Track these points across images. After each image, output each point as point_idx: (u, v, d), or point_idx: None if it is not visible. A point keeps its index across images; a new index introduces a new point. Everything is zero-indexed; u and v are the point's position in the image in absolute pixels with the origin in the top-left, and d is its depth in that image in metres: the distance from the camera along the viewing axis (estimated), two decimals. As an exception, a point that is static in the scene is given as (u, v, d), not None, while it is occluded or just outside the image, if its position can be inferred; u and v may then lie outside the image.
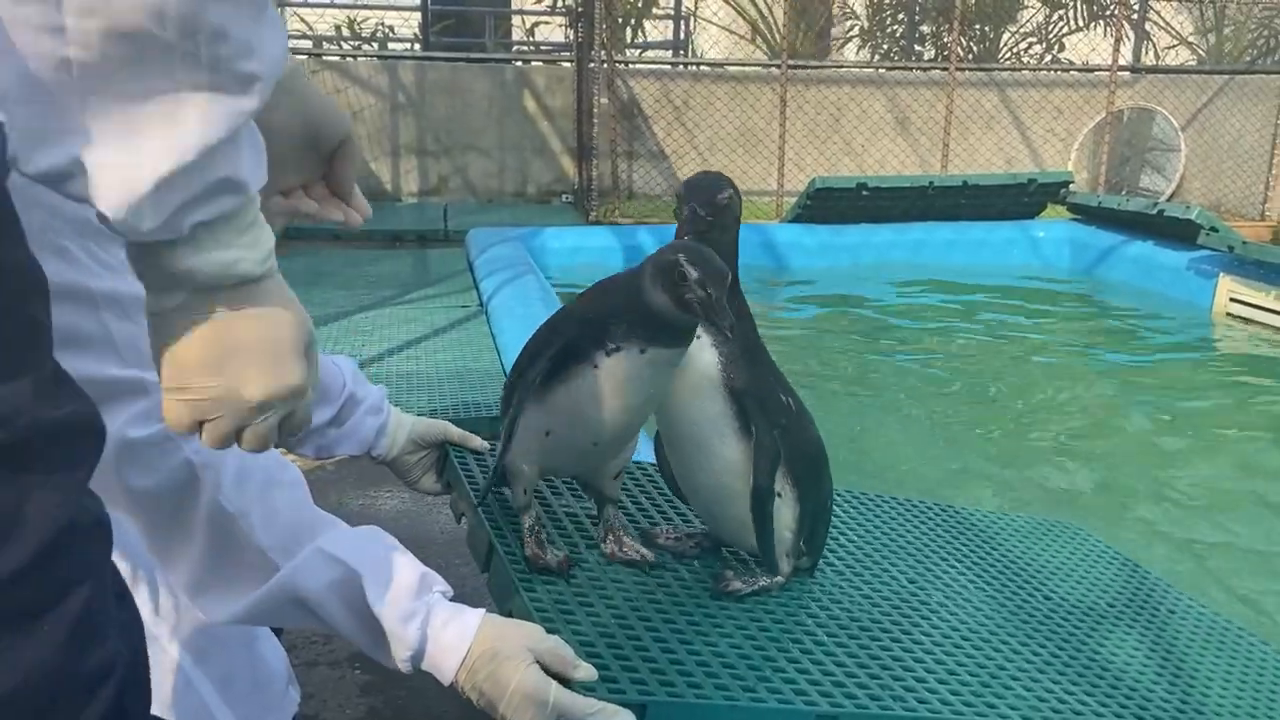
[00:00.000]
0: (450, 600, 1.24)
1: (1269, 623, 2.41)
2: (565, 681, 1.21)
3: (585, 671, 1.23)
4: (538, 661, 1.21)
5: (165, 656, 1.32)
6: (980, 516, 2.20)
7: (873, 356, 4.79)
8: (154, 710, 1.29)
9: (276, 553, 1.19)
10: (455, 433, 1.79)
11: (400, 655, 1.21)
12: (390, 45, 10.91)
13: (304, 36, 10.33)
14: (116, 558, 1.27)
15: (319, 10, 10.20)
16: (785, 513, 1.62)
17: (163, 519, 1.16)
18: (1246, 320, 5.35)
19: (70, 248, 1.09)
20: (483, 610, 1.24)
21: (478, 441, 1.80)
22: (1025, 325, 5.53)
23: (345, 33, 11.13)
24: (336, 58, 8.78)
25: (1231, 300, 5.47)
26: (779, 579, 1.65)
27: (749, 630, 1.50)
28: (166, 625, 1.33)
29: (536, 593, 1.42)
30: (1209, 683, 1.81)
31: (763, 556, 1.64)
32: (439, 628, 1.22)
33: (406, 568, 1.24)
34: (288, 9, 10.01)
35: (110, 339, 1.11)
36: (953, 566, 1.94)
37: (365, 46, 10.95)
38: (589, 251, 6.44)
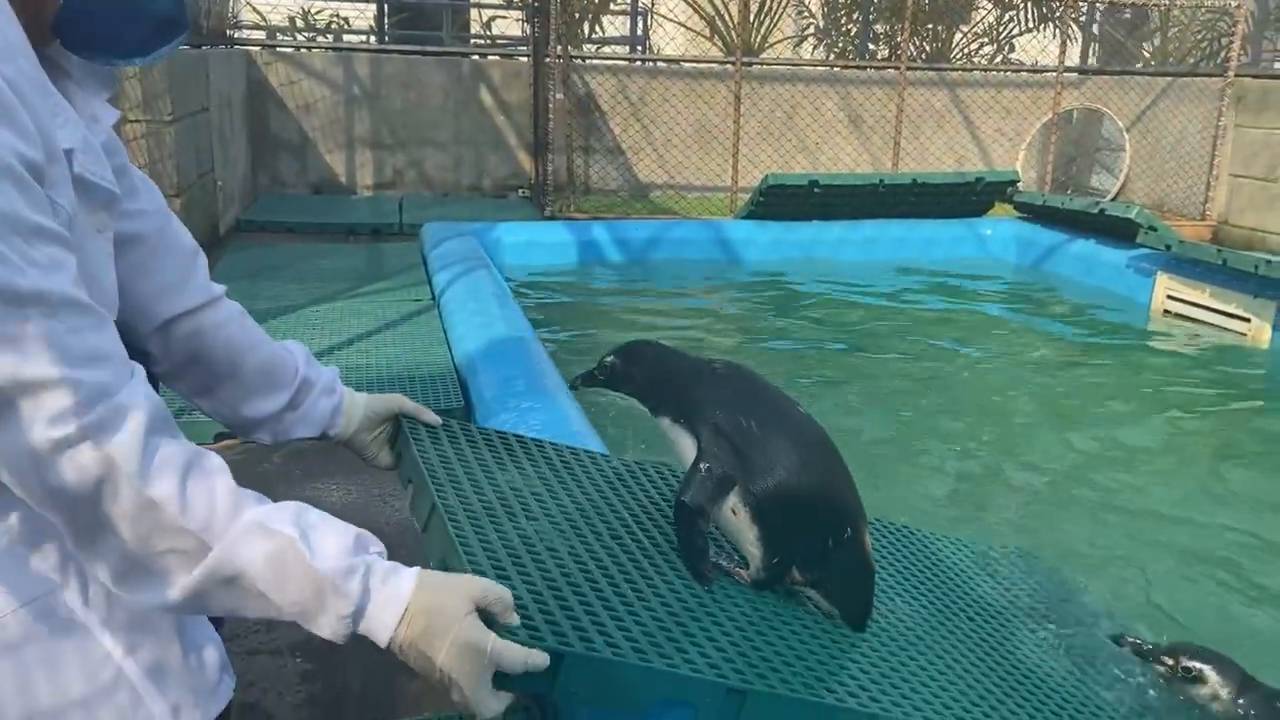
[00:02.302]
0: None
1: (1186, 616, 2.50)
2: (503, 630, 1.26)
3: (516, 619, 1.29)
4: (477, 610, 1.26)
5: (96, 646, 1.32)
6: (916, 534, 2.30)
7: (823, 352, 4.86)
8: (86, 700, 1.31)
9: (207, 534, 1.21)
10: (409, 405, 1.83)
11: (341, 612, 1.23)
12: (345, 38, 10.84)
13: (258, 27, 10.23)
14: (45, 550, 1.30)
15: (273, 1, 10.10)
16: (744, 528, 1.71)
17: (84, 514, 1.16)
18: (1183, 317, 5.51)
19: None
20: (418, 567, 1.28)
21: (430, 415, 1.85)
22: (972, 320, 5.64)
23: (300, 24, 11.05)
24: (290, 49, 8.71)
25: (1169, 298, 5.62)
26: (745, 574, 1.74)
27: (679, 605, 1.57)
28: (96, 616, 1.33)
29: (473, 551, 1.47)
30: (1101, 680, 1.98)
31: (683, 562, 1.72)
32: (379, 583, 1.26)
33: (341, 529, 1.28)
34: (241, 0, 9.90)
35: (34, 338, 1.13)
36: (889, 576, 2.04)
37: (320, 38, 10.88)
38: (544, 247, 6.46)
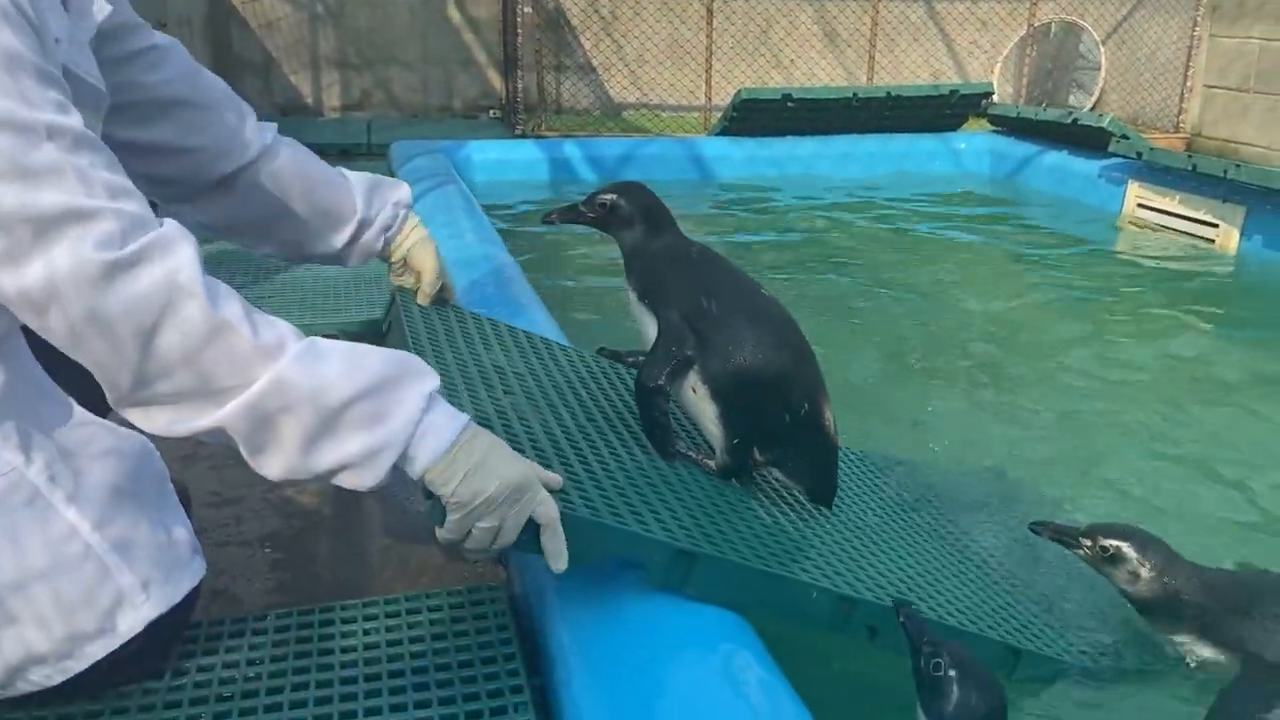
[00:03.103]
0: None
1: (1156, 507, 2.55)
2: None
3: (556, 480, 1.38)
4: None
5: (60, 521, 1.33)
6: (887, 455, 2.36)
7: (799, 267, 4.86)
8: (48, 572, 1.32)
9: (279, 351, 1.20)
10: (432, 278, 1.95)
11: (425, 388, 1.26)
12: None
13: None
14: (5, 430, 1.29)
15: (232, -83, 9.79)
16: (705, 407, 1.73)
17: (136, 342, 1.14)
18: (1153, 225, 5.53)
19: None
20: None
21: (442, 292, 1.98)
22: (946, 235, 5.64)
23: (261, -59, 10.71)
24: (251, -34, 8.47)
25: (1139, 206, 5.64)
26: (711, 464, 1.77)
27: (642, 480, 1.61)
28: (62, 491, 1.34)
29: (462, 404, 1.52)
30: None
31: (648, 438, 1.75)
32: (440, 400, 1.29)
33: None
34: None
35: (62, 169, 1.13)
36: (853, 486, 2.09)
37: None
38: (515, 165, 6.39)
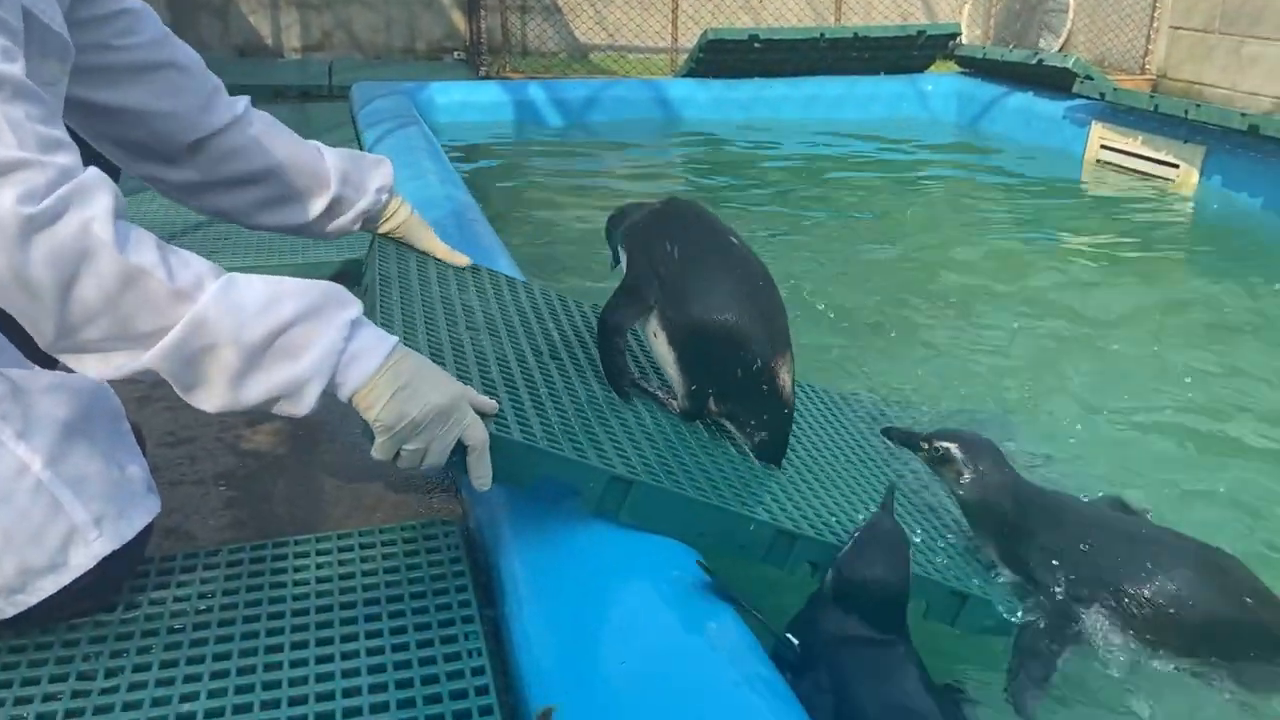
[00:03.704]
0: None
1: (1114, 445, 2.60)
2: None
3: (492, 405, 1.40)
4: None
5: (11, 458, 1.33)
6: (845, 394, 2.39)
7: (765, 211, 4.85)
8: (1, 509, 1.32)
9: (197, 291, 1.20)
10: (421, 242, 2.00)
11: (350, 315, 1.28)
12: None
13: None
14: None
15: None
16: (663, 352, 1.76)
17: (60, 292, 1.14)
18: (1116, 166, 5.56)
19: None
20: None
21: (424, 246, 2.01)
22: (911, 177, 5.65)
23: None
24: (205, -98, 8.23)
25: (1103, 147, 5.66)
26: (675, 405, 1.78)
27: (593, 414, 1.63)
28: (11, 429, 1.34)
29: (418, 344, 1.54)
30: None
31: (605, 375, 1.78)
32: (366, 325, 1.31)
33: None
34: None
35: None
36: (810, 424, 2.11)
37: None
38: (478, 107, 6.30)
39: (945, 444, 1.83)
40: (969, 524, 1.89)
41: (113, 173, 1.64)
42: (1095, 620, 1.72)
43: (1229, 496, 2.32)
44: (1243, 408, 2.83)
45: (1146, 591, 1.71)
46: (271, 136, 1.75)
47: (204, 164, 1.68)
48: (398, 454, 1.32)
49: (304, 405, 1.26)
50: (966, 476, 1.81)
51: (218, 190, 1.72)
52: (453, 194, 3.60)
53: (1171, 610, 1.69)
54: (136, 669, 1.34)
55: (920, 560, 1.76)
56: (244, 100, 1.74)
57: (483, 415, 1.37)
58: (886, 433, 2.00)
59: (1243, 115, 4.70)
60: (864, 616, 1.49)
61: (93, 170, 1.19)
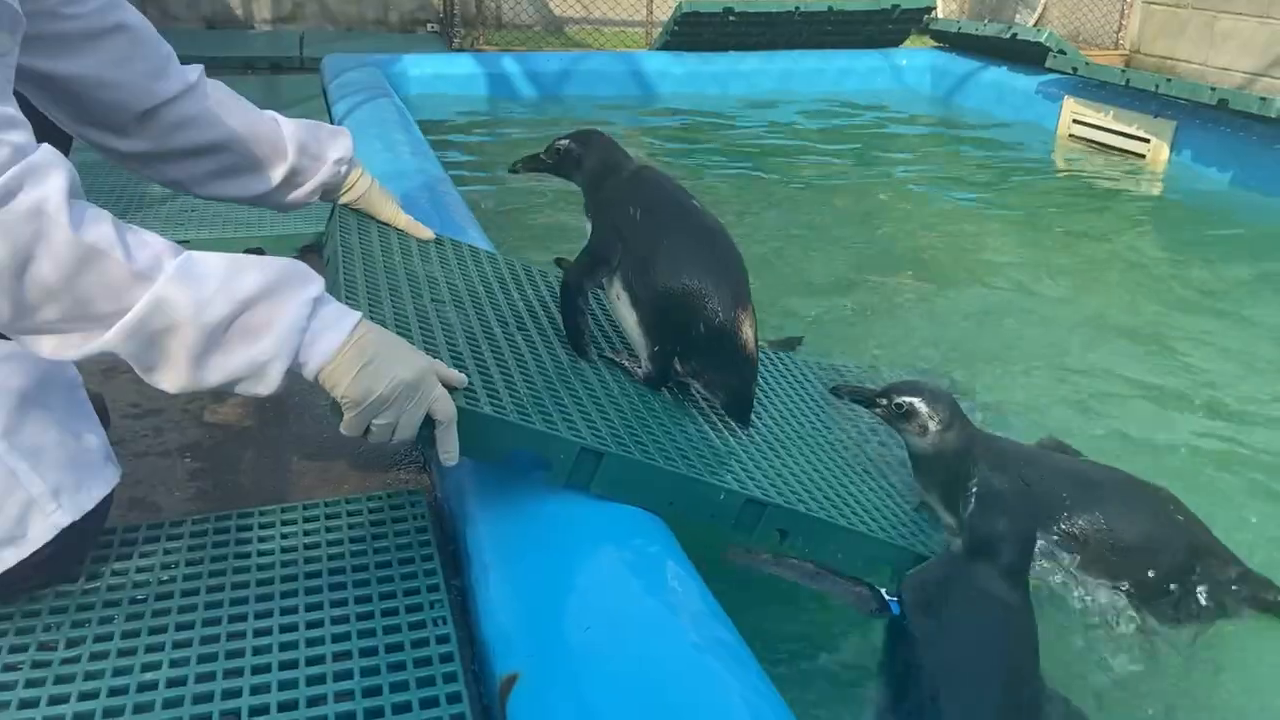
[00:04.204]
0: None
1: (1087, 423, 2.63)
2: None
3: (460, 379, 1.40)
4: None
5: (-34, 430, 1.32)
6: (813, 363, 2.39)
7: (738, 182, 4.84)
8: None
9: (153, 269, 1.18)
10: (385, 215, 1.99)
11: (312, 293, 1.26)
12: None
13: None
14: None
15: None
16: (626, 314, 1.77)
17: (16, 273, 1.12)
18: (1087, 141, 5.58)
19: None
20: None
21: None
22: (886, 152, 5.64)
23: None
24: None
25: (1075, 122, 5.68)
26: (639, 371, 1.79)
27: (562, 385, 1.62)
28: (-34, 402, 1.33)
29: (383, 317, 1.54)
30: None
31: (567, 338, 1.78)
32: (329, 301, 1.30)
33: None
34: None
35: None
36: (778, 392, 2.12)
37: None
38: (451, 80, 6.24)
39: (905, 397, 1.83)
40: (918, 474, 1.90)
41: (65, 142, 1.60)
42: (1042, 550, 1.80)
43: (1170, 444, 2.46)
44: (1196, 370, 2.92)
45: (1088, 522, 1.81)
46: (226, 106, 1.71)
47: (156, 133, 1.64)
48: (367, 429, 1.32)
49: (268, 385, 1.25)
50: (924, 425, 1.81)
51: (170, 160, 1.68)
52: (425, 166, 3.58)
53: (1111, 539, 1.80)
54: (98, 639, 1.34)
55: (884, 526, 1.78)
56: (197, 69, 1.70)
57: (452, 389, 1.36)
58: (835, 391, 1.98)
59: (1212, 90, 4.72)
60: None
61: (46, 148, 1.17)
